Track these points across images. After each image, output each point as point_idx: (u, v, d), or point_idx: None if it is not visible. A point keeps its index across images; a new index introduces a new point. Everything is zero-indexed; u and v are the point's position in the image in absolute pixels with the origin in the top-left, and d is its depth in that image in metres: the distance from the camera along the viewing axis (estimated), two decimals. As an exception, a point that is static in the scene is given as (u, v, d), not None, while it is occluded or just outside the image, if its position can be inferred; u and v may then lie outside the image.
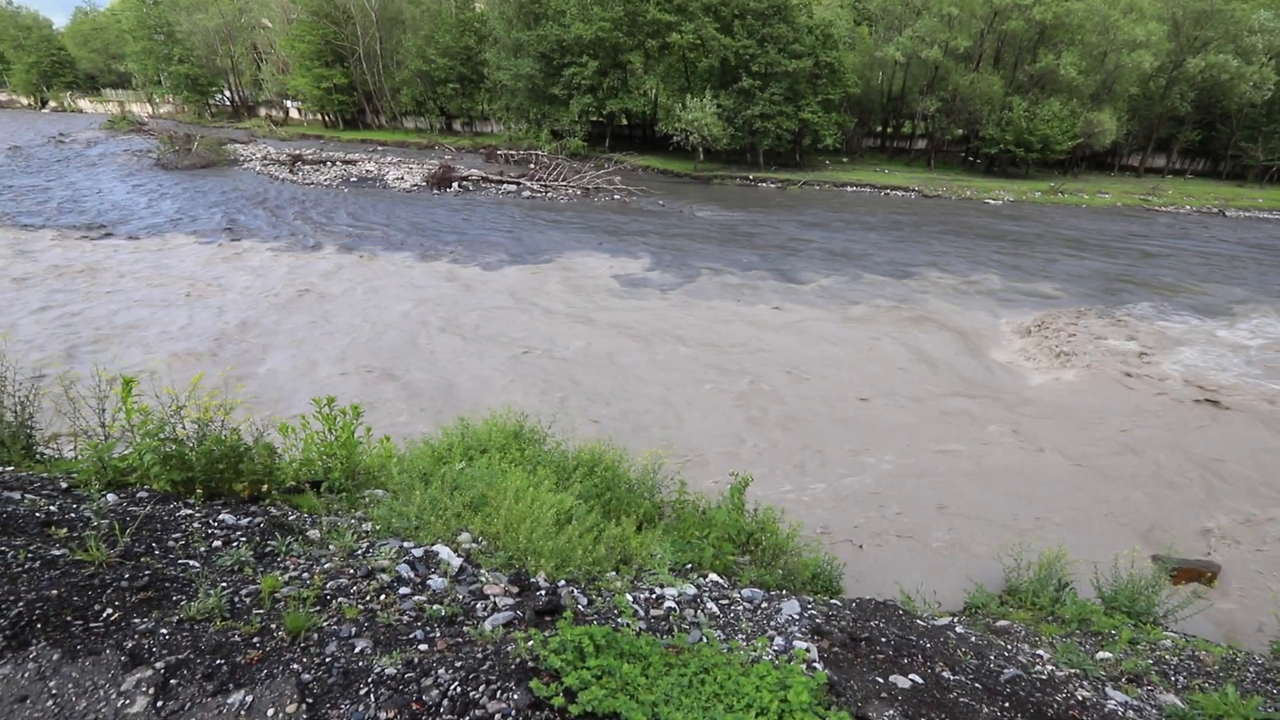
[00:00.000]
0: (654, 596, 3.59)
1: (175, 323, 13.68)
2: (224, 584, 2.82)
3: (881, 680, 2.91)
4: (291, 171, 37.16)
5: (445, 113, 62.11)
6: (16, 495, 3.42)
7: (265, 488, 4.45)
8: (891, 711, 2.39)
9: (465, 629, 2.82)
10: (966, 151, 51.00)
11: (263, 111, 74.50)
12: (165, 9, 70.18)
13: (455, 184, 34.59)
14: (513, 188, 34.88)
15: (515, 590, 3.28)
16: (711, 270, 20.25)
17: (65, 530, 2.99)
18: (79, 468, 4.25)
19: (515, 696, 2.17)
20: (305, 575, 3.16)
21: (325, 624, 2.65)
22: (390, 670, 2.33)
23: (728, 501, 5.18)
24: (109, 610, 2.37)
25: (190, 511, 3.69)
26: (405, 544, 3.84)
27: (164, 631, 2.31)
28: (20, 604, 2.24)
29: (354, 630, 2.65)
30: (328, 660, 2.35)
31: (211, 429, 4.34)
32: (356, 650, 2.48)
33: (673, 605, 3.49)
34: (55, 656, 2.05)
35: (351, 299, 15.82)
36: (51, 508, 3.31)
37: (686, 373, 12.47)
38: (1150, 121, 49.14)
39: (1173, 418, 11.59)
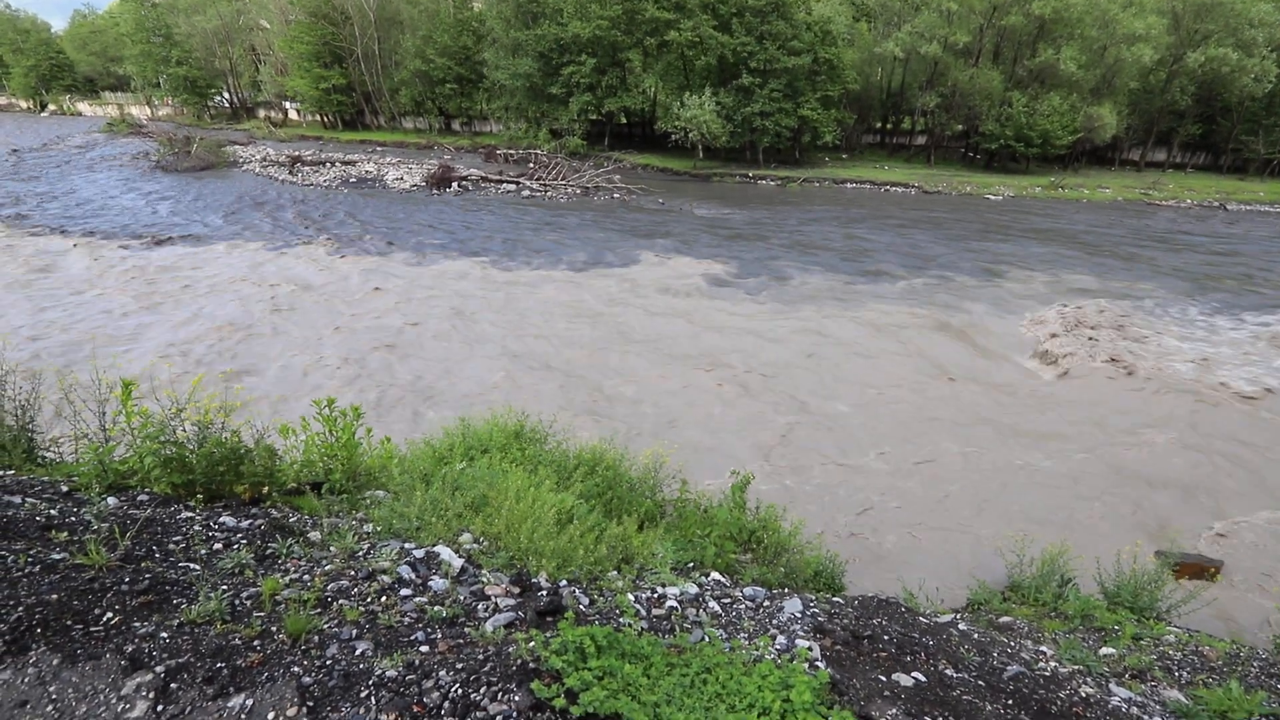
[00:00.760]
0: (656, 596, 3.58)
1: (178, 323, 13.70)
2: (225, 587, 2.81)
3: (884, 678, 2.90)
4: (291, 173, 37.17)
5: (444, 113, 62.09)
6: (17, 499, 3.42)
7: (266, 490, 4.45)
8: (894, 710, 2.38)
9: (467, 630, 2.81)
10: (966, 147, 50.89)
11: (261, 113, 74.52)
12: (163, 11, 70.18)
13: (455, 184, 34.58)
14: (512, 187, 34.86)
15: (517, 591, 3.27)
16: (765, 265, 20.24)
17: (65, 534, 2.99)
18: (80, 471, 4.25)
19: (516, 698, 2.16)
20: (306, 577, 3.16)
21: (326, 626, 2.64)
22: (391, 672, 2.32)
23: (729, 500, 5.17)
24: (109, 614, 2.37)
25: (191, 514, 3.68)
26: (406, 545, 3.83)
27: (164, 635, 2.30)
28: (20, 609, 2.23)
29: (355, 632, 2.64)
30: (329, 663, 2.35)
31: (212, 431, 4.33)
32: (358, 652, 2.47)
33: (675, 605, 3.48)
34: (55, 661, 2.05)
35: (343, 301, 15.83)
36: (52, 511, 3.30)
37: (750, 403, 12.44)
38: (1150, 115, 49.02)
39: (1182, 414, 11.56)
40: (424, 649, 2.60)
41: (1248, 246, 27.67)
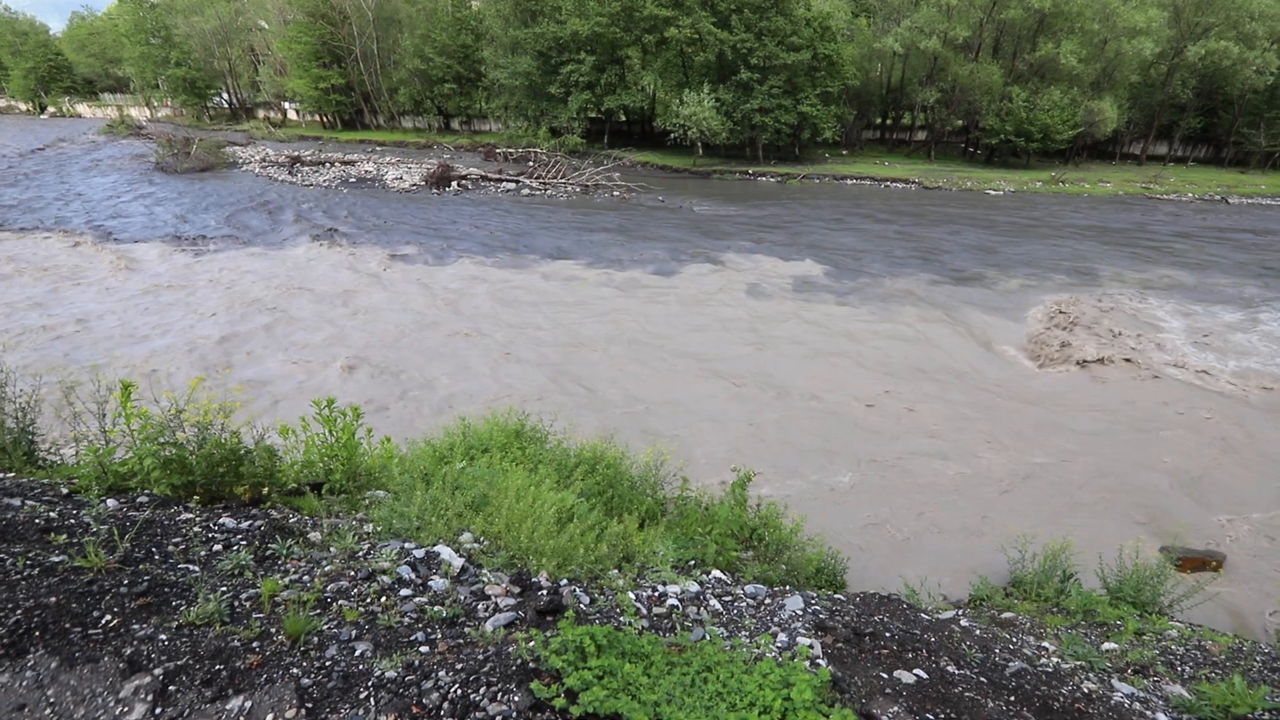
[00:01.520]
0: (657, 594, 3.58)
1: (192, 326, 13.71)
2: (224, 588, 2.81)
3: (886, 676, 2.89)
4: (291, 173, 37.16)
5: (443, 112, 62.03)
6: (16, 502, 3.42)
7: (266, 490, 4.44)
8: (896, 708, 2.37)
9: (466, 630, 2.81)
10: (966, 142, 50.77)
11: (261, 113, 74.50)
12: (162, 12, 70.15)
13: (454, 183, 34.56)
14: (512, 186, 34.83)
15: (517, 590, 3.27)
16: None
17: (65, 536, 2.98)
18: (80, 473, 4.25)
19: (516, 698, 2.15)
20: (306, 578, 3.15)
21: (326, 627, 2.63)
22: (390, 673, 2.32)
23: (730, 497, 5.16)
24: (108, 617, 2.36)
25: (190, 516, 3.68)
26: (407, 545, 3.83)
27: (163, 637, 2.30)
28: (19, 611, 2.23)
29: (354, 633, 2.64)
30: (328, 664, 2.34)
31: (212, 432, 4.33)
32: (357, 653, 2.47)
33: (675, 603, 3.47)
34: (53, 664, 2.04)
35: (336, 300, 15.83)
36: (51, 514, 3.30)
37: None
38: (1151, 109, 48.87)
39: (1182, 407, 11.53)
40: (424, 649, 2.59)
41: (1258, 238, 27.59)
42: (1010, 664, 3.54)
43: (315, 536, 3.82)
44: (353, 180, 35.72)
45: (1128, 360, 13.27)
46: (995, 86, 44.25)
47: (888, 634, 3.52)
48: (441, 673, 2.33)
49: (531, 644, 2.45)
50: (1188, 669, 4.39)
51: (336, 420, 5.34)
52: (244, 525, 3.70)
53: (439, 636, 2.73)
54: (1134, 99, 47.32)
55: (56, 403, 4.71)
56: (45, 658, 2.06)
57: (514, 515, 4.27)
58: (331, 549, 3.63)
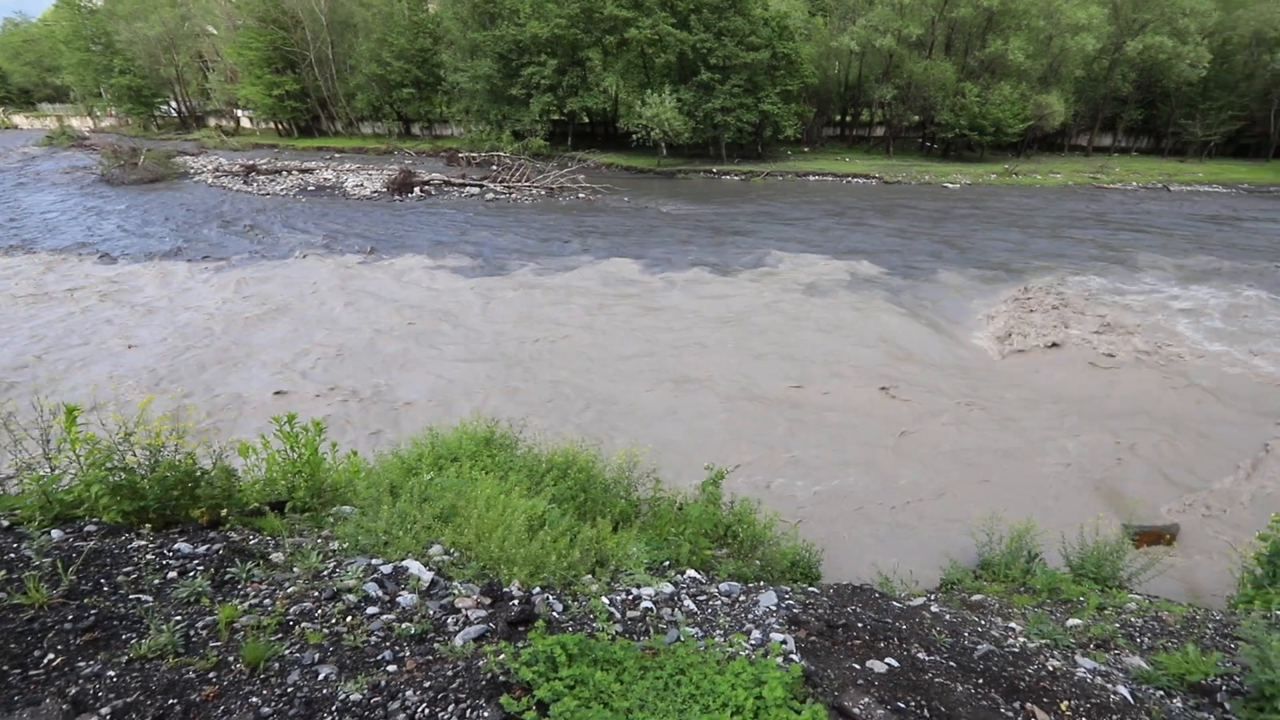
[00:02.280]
0: (630, 597, 3.56)
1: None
2: (179, 617, 2.69)
3: (858, 666, 2.93)
4: (246, 182, 36.10)
5: (403, 117, 60.98)
6: (-50, 538, 3.23)
7: (224, 512, 4.29)
8: (867, 699, 2.40)
9: (436, 646, 2.75)
10: (923, 137, 52.01)
11: (212, 122, 72.17)
12: (102, 18, 67.40)
13: (417, 189, 34.01)
14: (476, 190, 34.44)
15: (488, 601, 3.21)
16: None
17: (3, 572, 2.83)
18: (22, 504, 4.04)
19: (486, 714, 2.11)
20: (267, 601, 3.05)
21: (287, 652, 2.55)
22: (355, 696, 2.25)
23: (702, 495, 5.18)
24: (51, 655, 2.24)
25: (143, 543, 3.52)
26: (373, 561, 3.74)
27: (111, 674, 2.19)
28: (-49, 655, 2.10)
29: (318, 656, 2.56)
30: (289, 691, 2.26)
31: (164, 455, 4.16)
32: (320, 677, 2.39)
33: (650, 605, 3.46)
34: (-10, 709, 1.93)
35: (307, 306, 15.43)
36: (-11, 549, 3.12)
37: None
38: (1095, 102, 50.75)
39: (1133, 388, 11.99)
40: (391, 669, 2.53)
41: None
42: (979, 647, 3.62)
43: (277, 557, 3.70)
44: (311, 188, 34.87)
45: (1085, 342, 13.74)
46: (949, 83, 45.43)
47: (860, 624, 3.56)
48: (409, 692, 2.27)
49: (502, 656, 2.41)
50: (1146, 640, 4.55)
51: (299, 436, 5.19)
52: (201, 550, 3.56)
53: (407, 654, 2.67)
54: (1079, 93, 49.07)
55: (-6, 431, 4.46)
56: (-19, 703, 1.95)
57: (484, 525, 4.20)
58: (294, 569, 3.52)
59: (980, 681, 3.08)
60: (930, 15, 44.67)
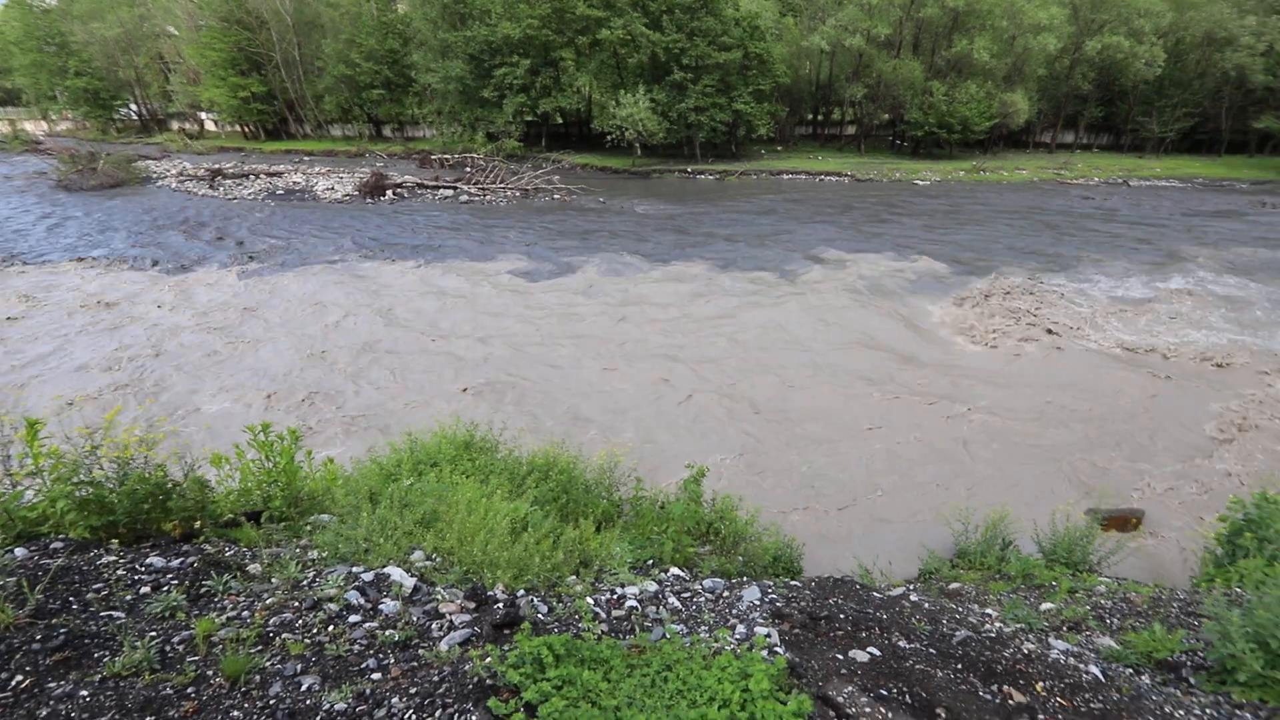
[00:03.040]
0: (615, 597, 3.57)
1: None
2: (154, 633, 2.63)
3: (841, 656, 2.98)
4: (212, 187, 35.25)
5: (373, 119, 60.07)
6: (-93, 559, 3.11)
7: (198, 524, 4.20)
8: (850, 688, 2.44)
9: (420, 652, 2.73)
10: (894, 135, 52.88)
11: (175, 125, 70.23)
12: (56, 18, 65.11)
13: (390, 191, 33.54)
14: (450, 192, 34.09)
15: (472, 606, 3.20)
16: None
17: (-35, 593, 2.73)
18: (-18, 522, 3.90)
19: (473, 718, 2.11)
20: (245, 614, 3.00)
21: (268, 664, 2.51)
22: (340, 705, 2.23)
23: (684, 493, 5.21)
24: (19, 678, 2.18)
25: (113, 558, 3.43)
26: (354, 569, 3.69)
27: (84, 694, 2.14)
28: (-88, 681, 2.03)
29: (300, 667, 2.52)
30: (271, 703, 2.23)
31: (134, 467, 4.06)
32: (303, 688, 2.36)
33: (634, 604, 3.47)
34: (-43, 734, 1.87)
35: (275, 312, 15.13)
36: (-51, 569, 3.02)
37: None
38: (1058, 100, 52.15)
39: (1096, 379, 12.34)
40: (375, 676, 2.50)
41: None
42: (957, 633, 3.70)
43: (255, 569, 3.63)
44: (280, 192, 34.18)
45: (1049, 334, 14.11)
46: (917, 81, 46.28)
47: (842, 615, 3.62)
48: (395, 699, 2.25)
49: (488, 660, 2.40)
50: (1116, 621, 4.69)
51: (274, 444, 5.11)
52: (174, 563, 3.48)
53: (391, 661, 2.64)
54: (1042, 91, 50.37)
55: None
56: (-54, 728, 1.88)
57: (466, 529, 4.18)
58: (273, 580, 3.46)
59: (959, 666, 3.15)
60: (898, 15, 45.45)
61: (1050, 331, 14.39)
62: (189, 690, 2.25)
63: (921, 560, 7.08)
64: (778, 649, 2.86)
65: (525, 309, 15.97)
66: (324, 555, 3.97)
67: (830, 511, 8.52)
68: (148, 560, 3.49)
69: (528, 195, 34.21)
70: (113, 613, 2.79)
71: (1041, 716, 2.64)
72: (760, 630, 3.07)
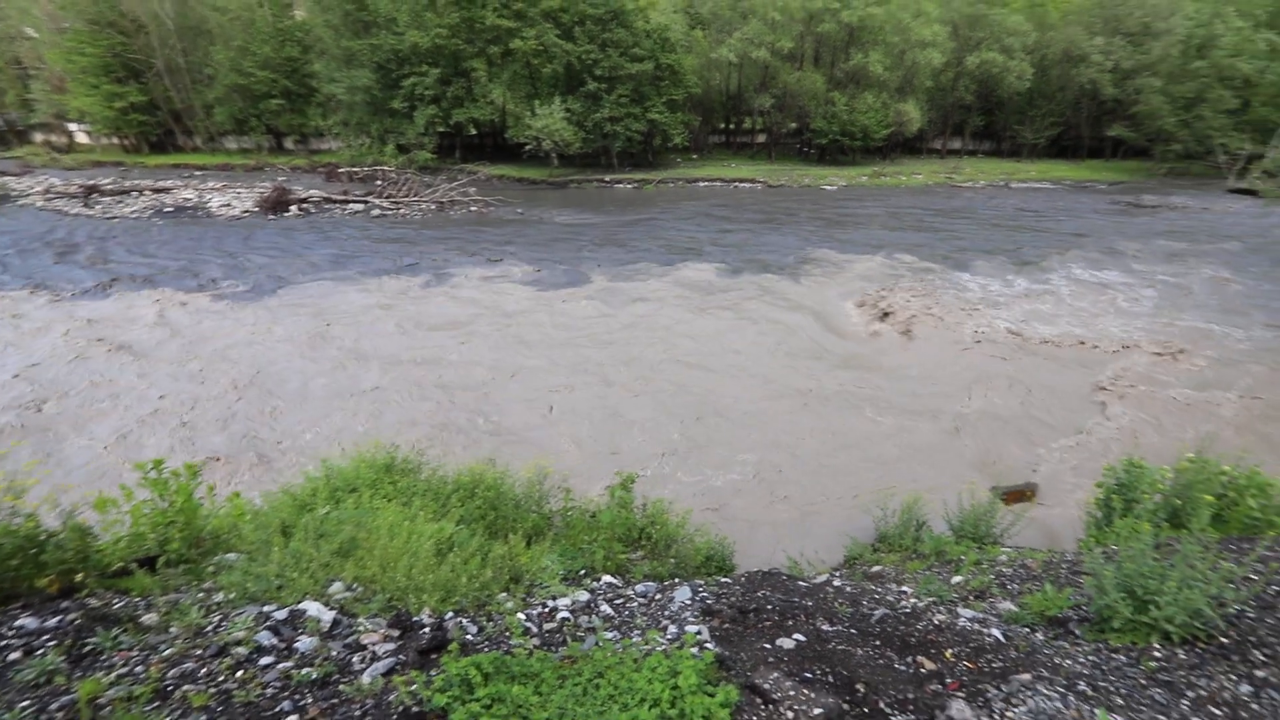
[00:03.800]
0: (547, 610, 3.54)
1: None
2: (26, 702, 2.37)
3: (769, 646, 3.08)
4: (86, 204, 32.09)
5: (273, 131, 56.67)
6: None
7: (80, 577, 3.81)
8: (777, 674, 2.54)
9: (341, 688, 2.60)
10: (801, 143, 55.51)
11: (39, 137, 63.41)
12: (-116, 19, 57.50)
13: (294, 207, 31.75)
14: (360, 206, 32.68)
15: (396, 634, 3.08)
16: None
17: None
18: None
19: (399, 748, 2.03)
20: (139, 669, 2.75)
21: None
22: (251, 753, 2.09)
23: (613, 501, 5.23)
24: None
25: (-26, 624, 3.06)
26: (265, 608, 3.47)
27: (-59, 776, 1.89)
28: None
29: (205, 719, 2.34)
30: (171, 760, 2.06)
31: (-2, 519, 3.64)
32: (208, 740, 2.19)
33: (567, 615, 3.45)
34: None
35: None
36: None
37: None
38: (945, 110, 56.53)
39: (988, 364, 13.40)
40: (292, 719, 2.36)
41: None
42: (876, 612, 3.92)
43: (150, 619, 3.34)
44: (169, 209, 31.60)
45: (943, 324, 15.20)
46: (820, 92, 48.91)
47: (770, 607, 3.75)
48: (312, 740, 2.14)
49: (414, 686, 2.33)
50: (1015, 586, 5.10)
51: (169, 482, 4.72)
52: (51, 623, 3.14)
53: (309, 701, 2.50)
54: (931, 101, 54.52)
55: None
56: None
57: (389, 554, 4.02)
58: (171, 629, 3.19)
59: (878, 643, 3.34)
60: (799, 30, 47.89)
61: (951, 324, 15.51)
62: (72, 759, 2.04)
63: (845, 548, 7.43)
64: (708, 645, 2.93)
65: (443, 323, 15.53)
66: (231, 597, 3.71)
67: (763, 507, 8.78)
68: (18, 623, 3.13)
69: (444, 208, 33.34)
70: (-26, 685, 2.49)
71: (949, 680, 2.84)
72: (691, 628, 3.13)
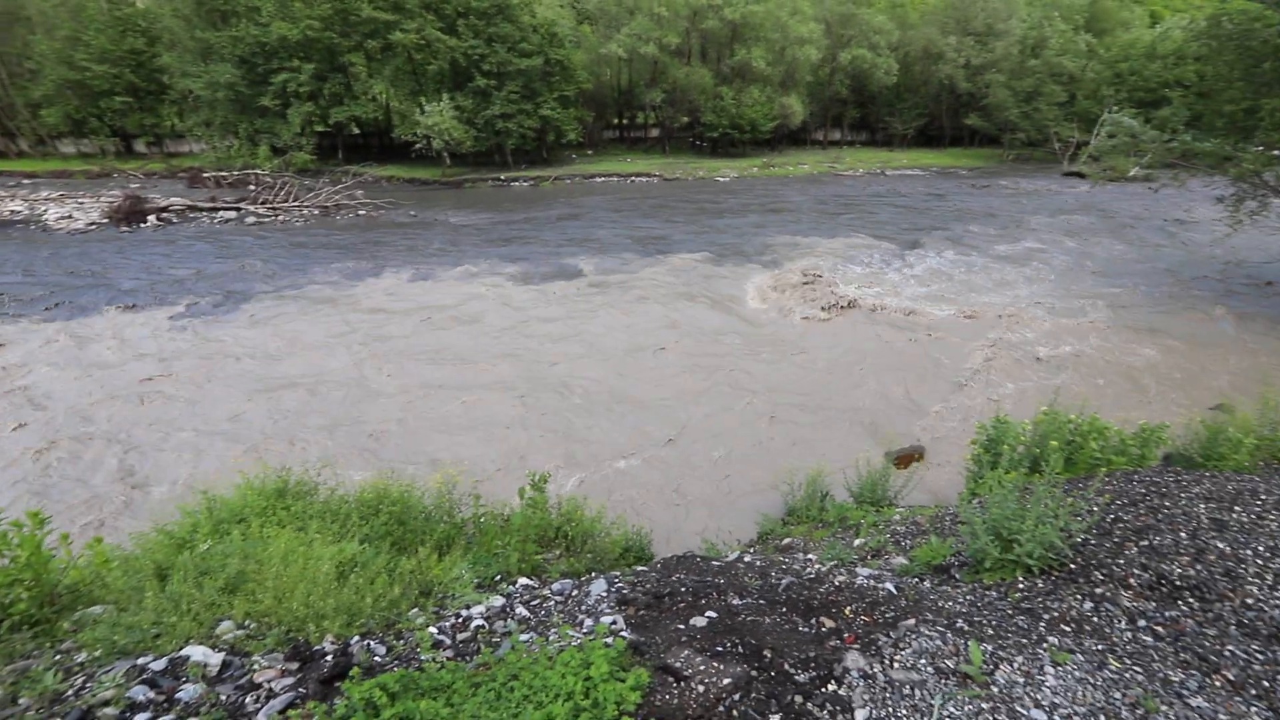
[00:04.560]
0: (460, 620, 3.45)
1: None
2: None
3: (683, 626, 3.18)
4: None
5: (119, 132, 50.60)
6: None
7: (-104, 660, 3.27)
8: (688, 652, 2.63)
9: (232, 733, 2.41)
10: (694, 136, 57.01)
11: None
12: None
13: (152, 217, 28.59)
14: (233, 214, 29.99)
15: (294, 666, 2.89)
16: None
17: None
18: None
19: (299, 785, 1.91)
20: (-18, 751, 2.41)
21: (18, 800, 2.05)
22: (125, 820, 1.89)
23: (525, 502, 5.17)
24: None
25: None
26: (139, 660, 3.14)
27: None
28: None
29: (67, 792, 2.09)
30: (25, 844, 1.82)
31: None
32: (72, 815, 1.96)
33: (481, 622, 3.38)
34: None
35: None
36: None
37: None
38: (825, 103, 60.05)
39: (875, 339, 14.43)
40: (174, 775, 2.16)
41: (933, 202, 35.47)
42: (783, 581, 4.13)
43: (-6, 692, 2.93)
44: (-10, 225, 27.50)
45: (843, 306, 16.21)
46: (708, 87, 50.41)
47: (684, 589, 3.85)
48: (199, 793, 1.97)
49: (313, 719, 2.20)
50: (908, 541, 5.55)
51: (8, 535, 4.15)
52: None
53: (195, 753, 2.30)
54: (811, 95, 57.74)
55: None
56: None
57: (284, 584, 3.74)
58: (21, 701, 2.82)
59: (784, 610, 3.53)
60: (684, 26, 49.05)
61: (843, 304, 16.53)
62: None
63: (758, 524, 7.77)
64: (622, 633, 2.97)
65: (326, 335, 14.62)
66: (96, 654, 3.32)
67: (677, 494, 8.98)
68: None
69: (328, 213, 31.27)
70: None
71: (847, 635, 3.05)
72: (606, 619, 3.16)
